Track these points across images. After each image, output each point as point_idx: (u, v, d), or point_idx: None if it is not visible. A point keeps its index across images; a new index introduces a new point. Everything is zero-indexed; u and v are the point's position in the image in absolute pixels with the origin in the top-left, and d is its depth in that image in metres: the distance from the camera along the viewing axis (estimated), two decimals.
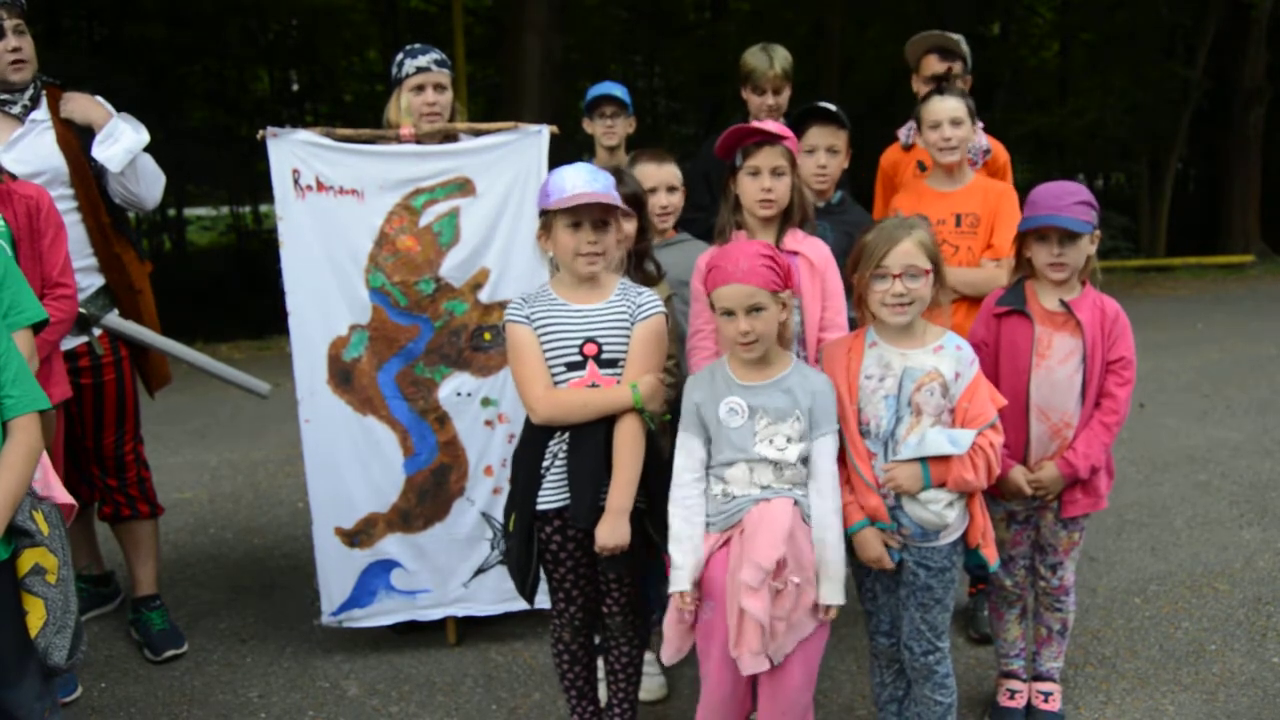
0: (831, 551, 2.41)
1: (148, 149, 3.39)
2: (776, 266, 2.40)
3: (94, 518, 3.81)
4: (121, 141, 3.30)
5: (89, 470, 3.51)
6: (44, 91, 3.35)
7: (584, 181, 2.48)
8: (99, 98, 3.40)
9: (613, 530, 2.46)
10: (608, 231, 2.52)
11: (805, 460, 2.43)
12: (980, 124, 3.67)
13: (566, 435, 2.52)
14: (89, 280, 3.35)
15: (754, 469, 2.41)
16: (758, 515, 2.37)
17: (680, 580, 2.43)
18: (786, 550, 2.32)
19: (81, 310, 3.25)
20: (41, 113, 3.32)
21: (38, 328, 2.45)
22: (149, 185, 3.42)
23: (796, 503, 2.40)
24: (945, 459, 2.41)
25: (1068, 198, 2.67)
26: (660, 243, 3.17)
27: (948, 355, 2.48)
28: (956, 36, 3.89)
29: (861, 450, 2.49)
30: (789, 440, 2.40)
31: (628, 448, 2.48)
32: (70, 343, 3.29)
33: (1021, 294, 2.79)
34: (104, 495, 3.55)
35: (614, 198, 2.50)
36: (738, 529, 2.40)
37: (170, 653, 3.50)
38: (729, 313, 2.39)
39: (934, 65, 3.80)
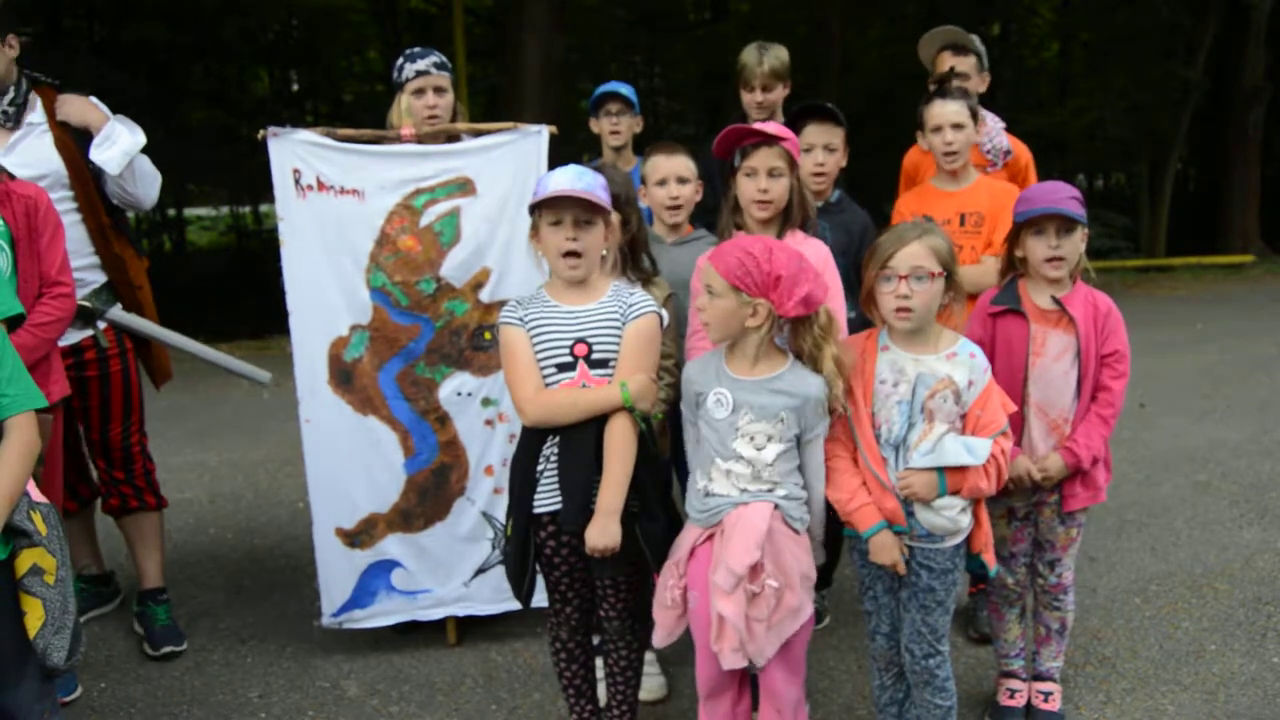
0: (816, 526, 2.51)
1: (145, 150, 3.41)
2: (753, 268, 2.33)
3: (94, 517, 3.82)
4: (119, 144, 3.31)
5: (95, 464, 3.56)
6: (36, 94, 3.36)
7: (568, 180, 2.48)
8: (94, 99, 3.41)
9: (602, 531, 2.44)
10: (590, 230, 2.51)
11: (784, 459, 2.41)
12: (1003, 125, 3.64)
13: (559, 438, 2.51)
14: (92, 277, 3.39)
15: (730, 471, 2.41)
16: (735, 518, 2.38)
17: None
18: (764, 554, 2.33)
19: (86, 304, 3.31)
20: (38, 115, 3.33)
21: (11, 324, 2.40)
22: (146, 186, 3.44)
23: (778, 506, 2.40)
24: (962, 468, 2.41)
25: (1061, 193, 2.70)
26: (675, 239, 3.16)
27: (961, 362, 2.47)
28: (972, 36, 3.85)
29: (877, 454, 2.48)
30: (768, 439, 2.39)
31: (617, 447, 2.47)
32: (75, 336, 3.34)
33: (1015, 293, 2.80)
34: (111, 487, 3.58)
35: (595, 195, 2.48)
36: (719, 528, 2.41)
37: (168, 649, 3.51)
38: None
39: (948, 62, 3.77)
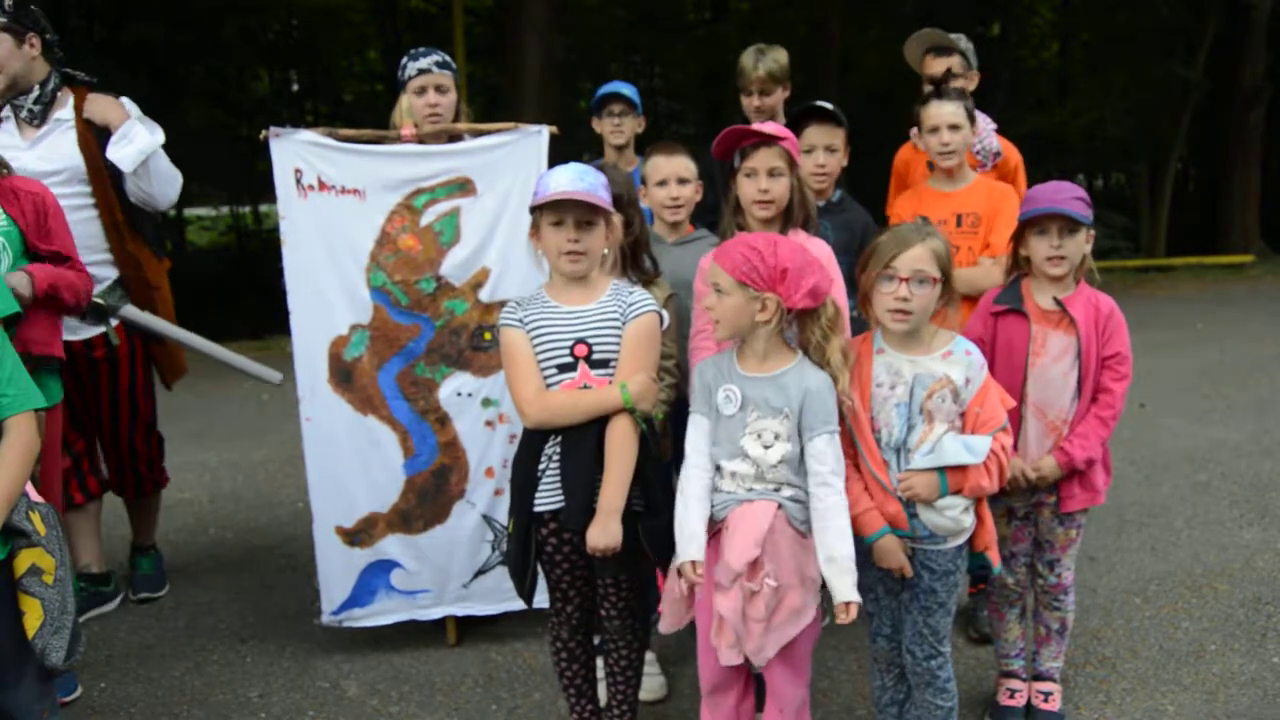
0: (842, 545, 2.33)
1: None
2: (759, 263, 2.33)
3: (99, 515, 3.84)
4: (135, 143, 3.39)
5: (106, 459, 3.68)
6: (67, 92, 3.43)
7: (569, 180, 2.47)
8: (124, 99, 3.48)
9: (604, 531, 2.44)
10: (591, 231, 2.50)
11: (789, 463, 2.39)
12: (994, 126, 3.64)
13: (560, 437, 2.51)
14: (104, 272, 3.46)
15: (735, 473, 2.41)
16: (738, 516, 2.38)
17: (690, 550, 2.36)
18: (764, 553, 2.32)
19: (99, 300, 3.36)
20: (66, 113, 3.43)
21: (7, 323, 2.39)
22: (163, 185, 3.51)
23: (781, 506, 2.39)
24: (962, 467, 2.41)
25: (1066, 193, 2.71)
26: (676, 239, 3.15)
27: (957, 361, 2.47)
28: (956, 35, 3.86)
29: (879, 458, 2.48)
30: (776, 437, 2.38)
31: (618, 448, 2.47)
32: (87, 333, 3.42)
33: (1018, 293, 2.80)
34: (121, 478, 3.76)
35: (597, 197, 2.47)
36: (723, 524, 2.41)
37: (144, 595, 3.87)
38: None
39: (932, 65, 3.78)
